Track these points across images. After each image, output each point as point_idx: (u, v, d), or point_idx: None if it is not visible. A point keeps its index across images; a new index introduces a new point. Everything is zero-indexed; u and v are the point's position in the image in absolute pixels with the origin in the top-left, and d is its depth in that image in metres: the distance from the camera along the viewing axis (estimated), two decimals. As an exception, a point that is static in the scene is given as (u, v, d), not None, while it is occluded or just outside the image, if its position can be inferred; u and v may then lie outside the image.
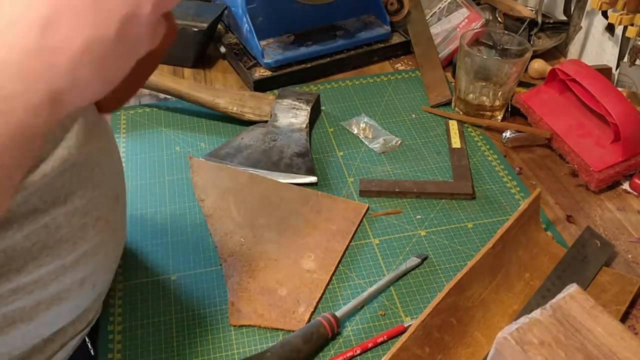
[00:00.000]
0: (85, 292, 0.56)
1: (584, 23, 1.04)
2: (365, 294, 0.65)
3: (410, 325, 0.57)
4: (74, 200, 0.49)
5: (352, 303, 0.64)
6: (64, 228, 0.50)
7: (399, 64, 1.08)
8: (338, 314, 0.63)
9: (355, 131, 0.91)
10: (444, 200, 0.79)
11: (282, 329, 0.63)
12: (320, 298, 0.66)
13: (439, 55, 1.05)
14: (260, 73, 1.00)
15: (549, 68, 0.93)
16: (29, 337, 0.52)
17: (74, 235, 0.51)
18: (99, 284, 0.58)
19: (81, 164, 0.50)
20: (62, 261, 0.50)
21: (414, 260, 0.70)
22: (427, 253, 0.72)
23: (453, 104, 0.96)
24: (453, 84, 0.98)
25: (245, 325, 0.64)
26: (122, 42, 0.36)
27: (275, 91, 0.97)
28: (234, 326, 0.64)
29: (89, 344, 0.70)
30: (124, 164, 0.84)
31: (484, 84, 0.90)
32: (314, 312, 0.65)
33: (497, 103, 0.92)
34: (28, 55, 0.33)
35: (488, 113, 0.93)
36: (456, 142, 0.88)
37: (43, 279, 0.49)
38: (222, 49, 1.06)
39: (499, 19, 1.11)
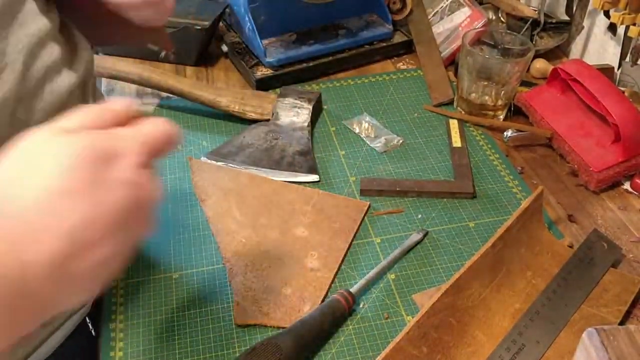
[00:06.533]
0: None
1: (586, 23, 1.04)
2: (374, 271, 0.68)
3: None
4: None
5: (364, 279, 0.67)
6: None
7: (401, 63, 1.08)
8: (352, 290, 0.65)
9: (357, 130, 0.91)
10: (445, 200, 0.79)
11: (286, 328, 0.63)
12: (325, 296, 0.67)
13: (441, 55, 1.05)
14: (262, 72, 1.00)
15: (551, 68, 0.93)
16: None
17: None
18: None
19: None
20: None
21: (415, 236, 0.73)
22: (426, 229, 0.74)
23: (455, 103, 0.96)
24: (455, 83, 0.98)
25: (250, 325, 0.64)
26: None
27: (277, 90, 0.97)
28: (239, 325, 0.64)
29: (89, 324, 0.71)
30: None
31: (486, 83, 0.90)
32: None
33: (500, 102, 0.92)
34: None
35: (490, 112, 0.93)
36: (457, 141, 0.88)
37: None
38: (224, 48, 1.07)
39: (502, 18, 1.11)
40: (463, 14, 1.06)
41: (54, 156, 0.35)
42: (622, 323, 0.63)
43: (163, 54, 1.04)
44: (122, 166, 0.36)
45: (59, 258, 0.34)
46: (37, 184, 0.34)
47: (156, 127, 0.41)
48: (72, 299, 0.37)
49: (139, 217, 0.38)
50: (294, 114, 0.89)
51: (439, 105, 0.96)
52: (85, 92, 0.55)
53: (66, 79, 0.52)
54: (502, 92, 0.90)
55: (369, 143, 0.88)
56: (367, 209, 0.77)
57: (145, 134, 0.40)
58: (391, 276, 0.69)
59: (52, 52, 0.51)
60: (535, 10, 1.08)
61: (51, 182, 0.34)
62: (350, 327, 0.64)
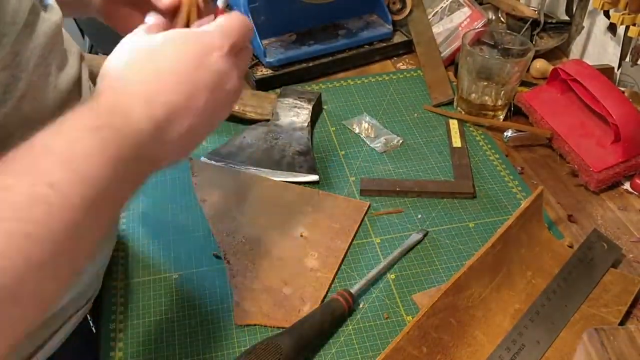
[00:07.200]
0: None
1: (586, 23, 1.04)
2: (374, 271, 0.68)
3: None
4: None
5: (364, 280, 0.67)
6: None
7: (401, 63, 1.08)
8: (352, 290, 0.65)
9: (357, 130, 0.91)
10: (445, 200, 0.79)
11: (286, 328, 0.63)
12: (325, 296, 0.67)
13: (441, 55, 1.05)
14: (262, 72, 1.00)
15: (551, 68, 0.93)
16: None
17: None
18: (97, 260, 0.61)
19: None
20: None
21: (415, 237, 0.73)
22: (426, 229, 0.74)
23: (455, 103, 0.96)
24: (455, 83, 0.98)
25: (250, 325, 0.64)
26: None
27: (277, 90, 0.97)
28: (239, 325, 0.64)
29: (90, 322, 0.71)
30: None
31: (486, 83, 0.90)
32: (316, 310, 0.65)
33: (500, 102, 0.92)
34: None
35: (490, 112, 0.93)
36: (457, 142, 0.88)
37: None
38: (224, 48, 1.07)
39: (502, 18, 1.11)
40: (463, 14, 1.06)
41: (163, 50, 0.46)
42: (622, 323, 0.63)
43: None
44: (212, 59, 0.46)
45: (160, 123, 0.43)
46: (151, 67, 0.45)
47: (234, 20, 0.49)
48: (170, 158, 0.46)
49: (223, 99, 0.47)
50: (293, 114, 0.89)
51: (439, 105, 0.96)
52: (81, 86, 0.55)
53: (67, 75, 0.52)
54: (502, 92, 0.90)
55: (369, 143, 0.89)
56: (367, 209, 0.77)
57: (226, 27, 0.48)
58: (391, 276, 0.69)
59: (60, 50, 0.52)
60: (535, 10, 1.08)
61: (163, 65, 0.45)
62: (350, 327, 0.64)
